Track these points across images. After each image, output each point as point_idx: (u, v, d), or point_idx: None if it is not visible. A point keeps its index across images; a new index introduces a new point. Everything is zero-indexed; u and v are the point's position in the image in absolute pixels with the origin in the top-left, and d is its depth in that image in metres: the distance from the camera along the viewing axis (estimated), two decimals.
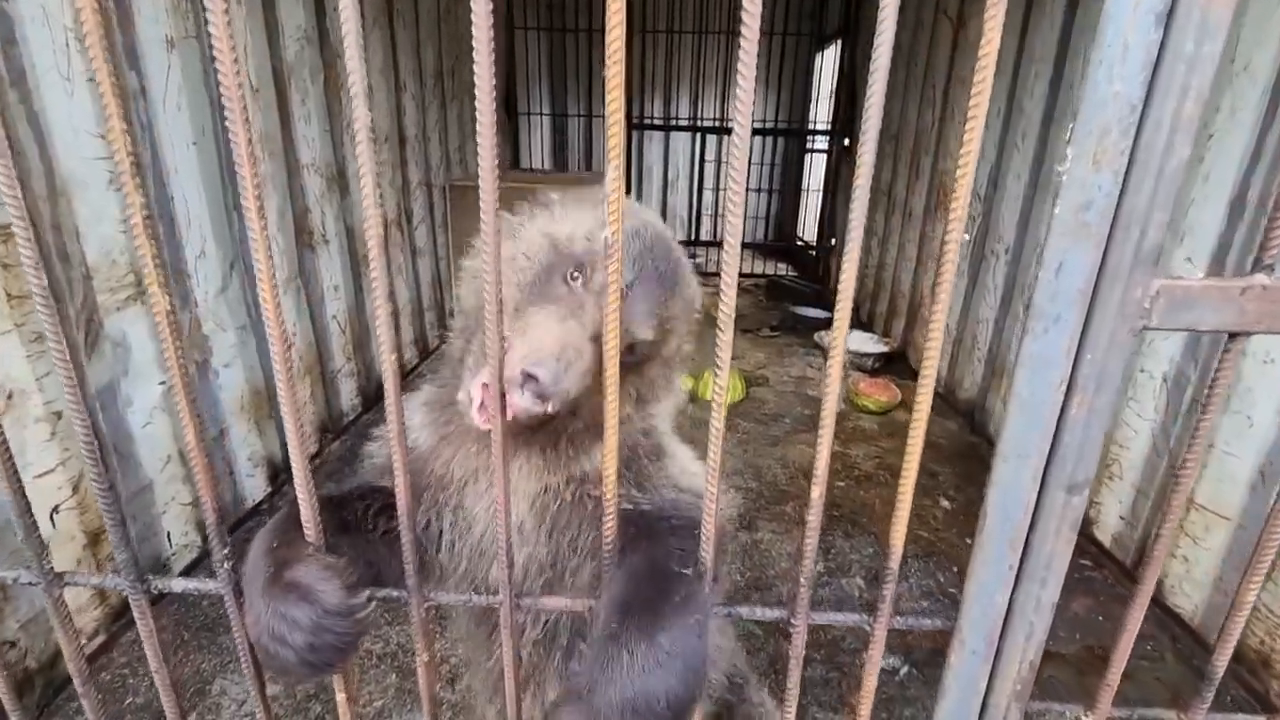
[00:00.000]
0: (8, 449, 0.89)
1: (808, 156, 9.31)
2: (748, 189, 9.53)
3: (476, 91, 0.62)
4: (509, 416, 0.86)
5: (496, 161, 0.67)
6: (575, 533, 1.04)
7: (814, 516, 0.86)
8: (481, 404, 0.87)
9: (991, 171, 4.24)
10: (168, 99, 2.52)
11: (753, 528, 3.11)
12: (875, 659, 0.95)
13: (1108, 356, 0.74)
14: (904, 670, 2.29)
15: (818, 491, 0.85)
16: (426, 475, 1.09)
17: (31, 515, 0.94)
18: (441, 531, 1.08)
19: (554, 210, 1.10)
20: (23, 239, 0.76)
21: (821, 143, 8.49)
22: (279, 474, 3.28)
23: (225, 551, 0.94)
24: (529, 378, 0.79)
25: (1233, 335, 0.75)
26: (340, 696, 1.00)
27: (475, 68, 0.61)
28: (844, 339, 0.75)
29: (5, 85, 1.90)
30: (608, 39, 0.62)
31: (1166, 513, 0.81)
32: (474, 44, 0.61)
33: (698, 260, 8.84)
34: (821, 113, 8.90)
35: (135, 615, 0.98)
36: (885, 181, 6.09)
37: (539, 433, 1.03)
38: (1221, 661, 0.92)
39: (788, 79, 9.25)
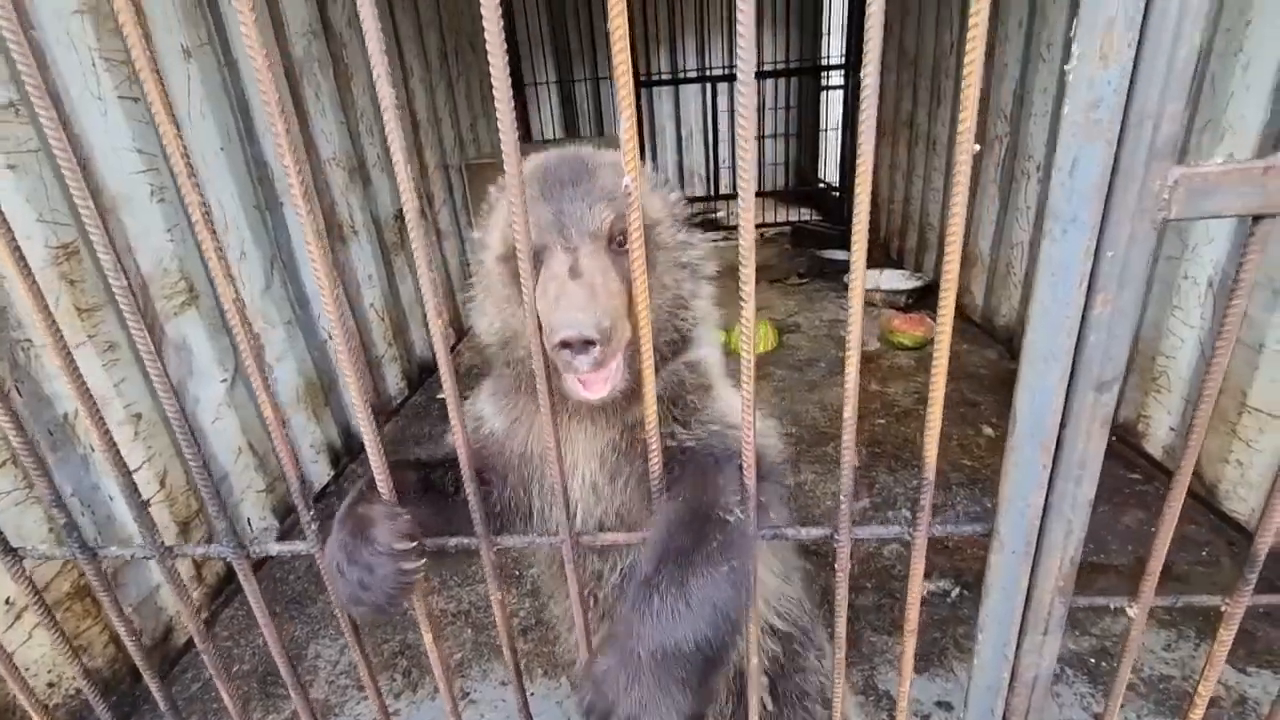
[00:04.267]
0: (113, 441, 0.99)
1: (824, 95, 9.01)
2: (762, 136, 9.30)
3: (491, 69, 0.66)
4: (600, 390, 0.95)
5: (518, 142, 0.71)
6: (635, 479, 1.09)
7: (849, 414, 0.91)
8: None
9: (1016, 87, 4.06)
10: (191, 108, 2.60)
11: (795, 471, 3.16)
12: (918, 567, 1.00)
13: (1129, 252, 0.75)
14: (955, 592, 2.34)
15: (849, 390, 0.89)
16: (507, 455, 1.18)
17: (140, 495, 1.05)
18: (531, 503, 1.17)
19: (491, 216, 1.14)
20: (103, 254, 0.84)
21: (837, 78, 8.19)
22: (340, 458, 3.45)
23: (310, 515, 1.04)
24: (585, 344, 0.84)
25: (1257, 218, 0.75)
26: (427, 637, 1.10)
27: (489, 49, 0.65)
28: (863, 254, 0.77)
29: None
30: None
31: (1207, 373, 0.83)
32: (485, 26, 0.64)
33: (719, 215, 8.72)
34: (835, 47, 8.57)
35: (240, 577, 1.09)
36: (906, 111, 5.87)
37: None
38: (1264, 542, 0.94)
39: (795, 14, 8.90)
